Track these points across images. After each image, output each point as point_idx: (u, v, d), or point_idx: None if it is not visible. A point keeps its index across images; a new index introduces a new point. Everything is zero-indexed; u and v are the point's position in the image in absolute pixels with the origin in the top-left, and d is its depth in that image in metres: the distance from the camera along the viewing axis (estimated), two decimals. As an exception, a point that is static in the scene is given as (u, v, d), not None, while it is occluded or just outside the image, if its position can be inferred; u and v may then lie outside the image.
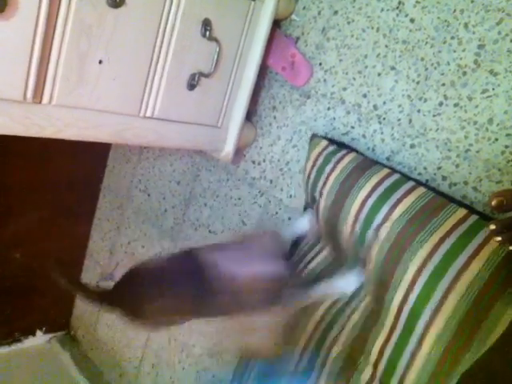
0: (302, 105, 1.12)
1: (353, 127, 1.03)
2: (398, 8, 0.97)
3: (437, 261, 0.72)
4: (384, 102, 0.98)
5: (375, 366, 0.80)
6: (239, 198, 1.26)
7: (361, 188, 0.84)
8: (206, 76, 1.00)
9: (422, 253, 0.73)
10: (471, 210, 0.76)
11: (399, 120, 0.96)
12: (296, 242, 1.03)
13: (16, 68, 0.74)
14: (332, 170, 0.90)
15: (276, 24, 1.12)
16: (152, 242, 1.52)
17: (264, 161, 1.21)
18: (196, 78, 0.99)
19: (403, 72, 0.96)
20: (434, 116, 0.92)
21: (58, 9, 0.75)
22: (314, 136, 1.02)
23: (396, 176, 0.84)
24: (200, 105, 1.04)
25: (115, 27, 0.83)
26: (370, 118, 1.01)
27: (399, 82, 0.96)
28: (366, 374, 0.81)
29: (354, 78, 1.03)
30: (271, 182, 1.19)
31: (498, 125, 0.84)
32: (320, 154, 0.95)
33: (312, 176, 0.96)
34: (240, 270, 0.77)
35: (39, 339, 1.73)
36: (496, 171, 0.84)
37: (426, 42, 0.93)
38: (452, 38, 0.89)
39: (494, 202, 0.67)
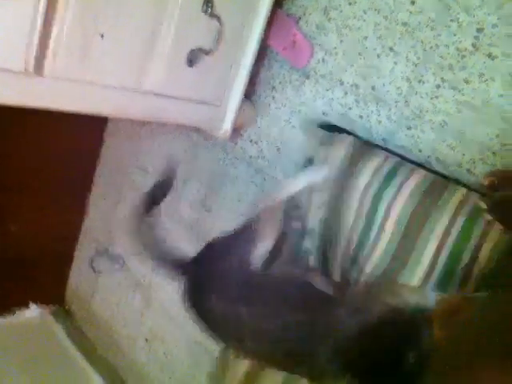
0: (302, 85, 1.13)
1: (350, 108, 1.04)
2: (399, -10, 0.97)
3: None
4: (383, 84, 0.99)
5: None
6: (236, 177, 1.28)
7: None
8: (207, 53, 1.01)
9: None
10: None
11: (397, 102, 0.97)
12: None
13: (18, 39, 0.73)
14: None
15: (278, 3, 1.12)
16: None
17: (261, 140, 1.22)
18: (196, 55, 0.99)
19: (402, 54, 0.97)
20: (431, 98, 0.93)
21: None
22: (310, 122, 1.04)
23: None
24: (200, 82, 1.05)
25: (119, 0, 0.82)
26: (368, 99, 1.02)
27: (398, 63, 0.97)
28: None
29: (354, 60, 1.04)
30: (268, 161, 1.20)
31: (493, 108, 0.85)
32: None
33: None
34: None
35: (33, 312, 1.73)
36: (490, 154, 0.86)
37: (427, 25, 0.93)
38: (452, 20, 0.90)
39: (486, 182, 0.70)
